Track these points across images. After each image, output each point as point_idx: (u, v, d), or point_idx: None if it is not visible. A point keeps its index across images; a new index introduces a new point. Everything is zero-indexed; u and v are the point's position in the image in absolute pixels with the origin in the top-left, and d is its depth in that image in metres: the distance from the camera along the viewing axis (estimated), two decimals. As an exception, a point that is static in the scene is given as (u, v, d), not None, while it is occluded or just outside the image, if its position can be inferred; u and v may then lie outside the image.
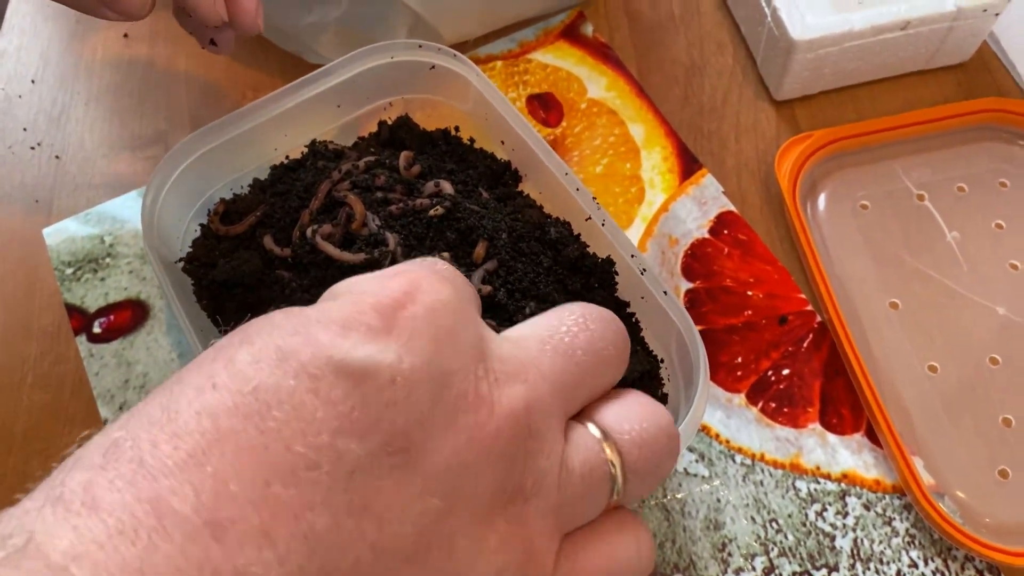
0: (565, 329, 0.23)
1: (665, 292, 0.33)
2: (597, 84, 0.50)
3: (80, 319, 0.44)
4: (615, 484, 0.22)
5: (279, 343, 0.19)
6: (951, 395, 0.40)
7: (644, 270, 0.34)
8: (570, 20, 0.52)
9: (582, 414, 0.23)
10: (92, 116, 0.50)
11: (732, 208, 0.45)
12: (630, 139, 0.48)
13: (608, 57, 0.51)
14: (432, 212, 0.36)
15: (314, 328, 0.19)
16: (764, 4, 0.46)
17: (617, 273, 0.36)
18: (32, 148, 0.49)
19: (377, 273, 0.21)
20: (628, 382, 0.34)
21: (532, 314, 0.34)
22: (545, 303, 0.34)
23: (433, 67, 0.40)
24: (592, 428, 0.22)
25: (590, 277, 0.36)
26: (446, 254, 0.35)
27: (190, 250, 0.38)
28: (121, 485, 0.16)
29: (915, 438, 0.39)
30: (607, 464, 0.22)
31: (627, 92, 0.49)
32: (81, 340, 0.43)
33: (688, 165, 0.47)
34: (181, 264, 0.37)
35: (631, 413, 0.23)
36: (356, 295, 0.20)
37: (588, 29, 0.52)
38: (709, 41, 0.51)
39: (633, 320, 0.36)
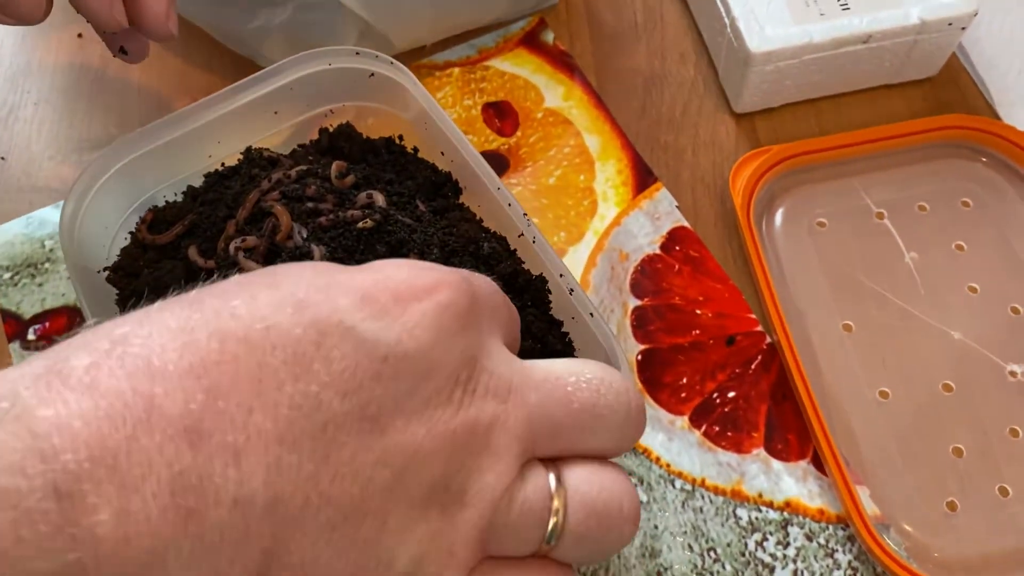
0: (574, 380, 0.24)
1: (592, 314, 0.32)
2: (554, 93, 0.48)
3: (15, 325, 0.43)
4: (551, 535, 0.23)
5: (302, 295, 0.20)
6: (901, 422, 0.38)
7: (572, 290, 0.33)
8: (531, 27, 0.51)
9: (553, 462, 0.24)
10: (41, 117, 0.49)
11: (685, 224, 0.44)
12: (585, 150, 0.47)
13: (567, 65, 0.49)
14: (361, 224, 0.35)
15: (337, 291, 0.21)
16: (724, 15, 0.45)
17: (551, 292, 0.35)
18: (-22, 149, 0.48)
19: (415, 264, 0.23)
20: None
21: None
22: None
23: (372, 75, 0.38)
24: (551, 477, 0.23)
25: (523, 294, 0.35)
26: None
27: (117, 258, 0.37)
28: (121, 375, 0.18)
29: (862, 466, 0.37)
30: (548, 512, 0.23)
31: (584, 102, 0.48)
32: (14, 347, 0.42)
33: (643, 178, 0.45)
34: (107, 273, 0.36)
35: (599, 481, 0.24)
36: (387, 275, 0.22)
37: (549, 36, 0.50)
38: (671, 51, 0.50)
39: (567, 340, 0.35)
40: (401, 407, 0.21)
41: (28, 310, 0.43)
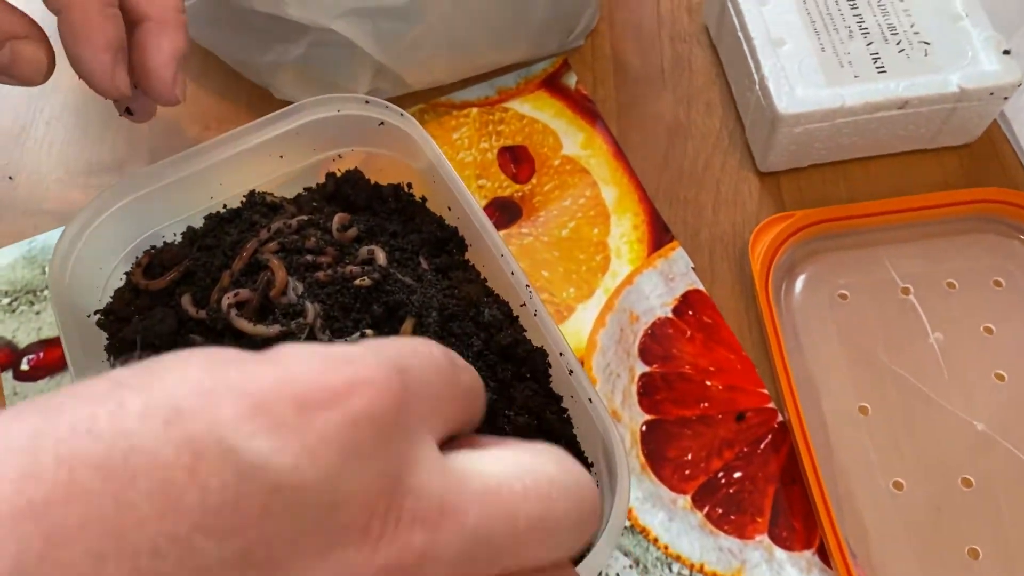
0: (520, 487, 0.20)
1: (591, 399, 0.30)
2: (573, 140, 0.47)
3: (9, 354, 0.42)
4: None
5: (178, 400, 0.17)
6: (915, 517, 0.36)
7: (571, 371, 0.31)
8: (554, 69, 0.49)
9: None
10: (52, 137, 0.49)
11: (700, 287, 0.42)
12: (601, 202, 0.45)
13: (588, 111, 0.48)
14: (358, 282, 0.33)
15: (223, 395, 0.17)
16: (753, 70, 0.43)
17: (550, 365, 0.33)
18: (-13, 167, 0.48)
19: (329, 353, 0.18)
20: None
21: None
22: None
23: (382, 123, 0.37)
24: None
25: (522, 366, 0.33)
26: (369, 331, 0.33)
27: (110, 300, 0.36)
28: None
29: (871, 562, 0.36)
30: None
31: (603, 151, 0.46)
32: (7, 377, 0.41)
33: (659, 236, 0.44)
34: (98, 317, 0.35)
35: None
36: (291, 373, 0.18)
37: (571, 80, 0.49)
38: (698, 100, 0.48)
39: (564, 416, 0.34)
40: (299, 550, 0.17)
41: (23, 339, 0.42)
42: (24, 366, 0.42)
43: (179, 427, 0.16)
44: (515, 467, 0.20)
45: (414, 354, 0.20)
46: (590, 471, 0.33)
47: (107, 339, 0.35)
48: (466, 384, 0.22)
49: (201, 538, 0.16)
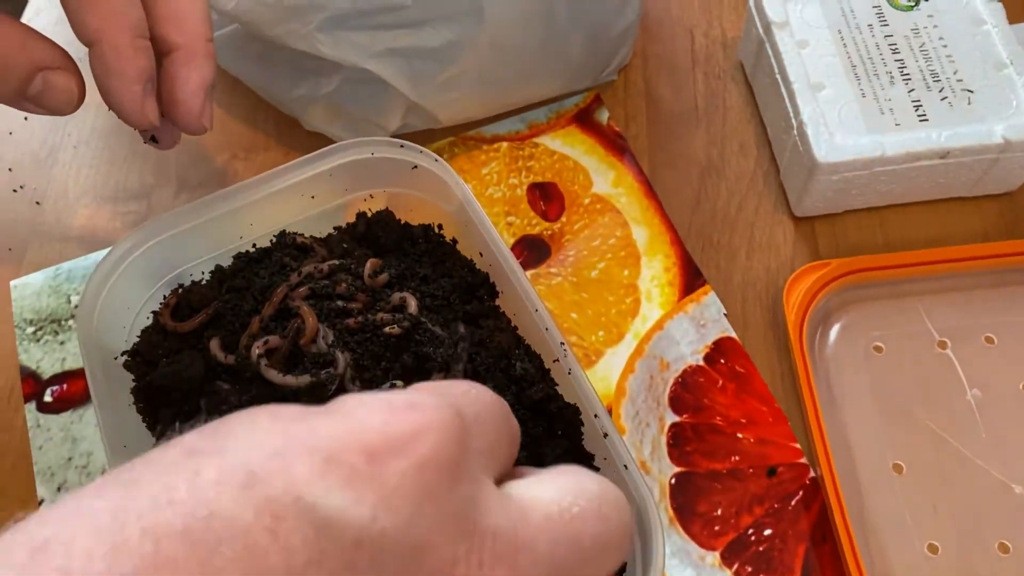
0: (578, 510, 0.20)
1: (626, 466, 0.29)
2: (604, 178, 0.46)
3: (33, 385, 0.42)
4: None
5: (252, 465, 0.17)
6: (950, 581, 0.36)
7: (606, 434, 0.30)
8: (585, 104, 0.49)
9: None
10: (79, 161, 0.49)
11: (732, 335, 0.42)
12: (632, 243, 0.44)
13: (620, 148, 0.47)
14: (388, 330, 0.33)
15: (294, 455, 0.17)
16: (792, 115, 0.42)
17: (583, 423, 0.33)
18: (14, 191, 0.48)
19: (391, 401, 0.19)
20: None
21: None
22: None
23: (415, 167, 0.37)
24: None
25: (554, 423, 0.33)
26: (399, 382, 0.32)
27: (137, 340, 0.36)
28: None
29: (904, 627, 0.35)
30: None
31: (635, 190, 0.46)
32: (30, 408, 0.41)
33: (691, 279, 0.43)
34: (125, 359, 0.35)
35: None
36: (358, 423, 0.18)
37: (603, 116, 0.48)
38: (732, 140, 0.47)
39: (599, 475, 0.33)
40: None
41: (48, 369, 0.42)
42: (47, 398, 0.41)
43: (256, 490, 0.16)
44: (565, 490, 0.21)
45: (468, 396, 0.21)
46: (621, 532, 0.32)
47: (134, 381, 0.35)
48: (514, 425, 0.22)
49: None
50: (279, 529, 0.16)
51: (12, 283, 0.44)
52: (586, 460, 0.33)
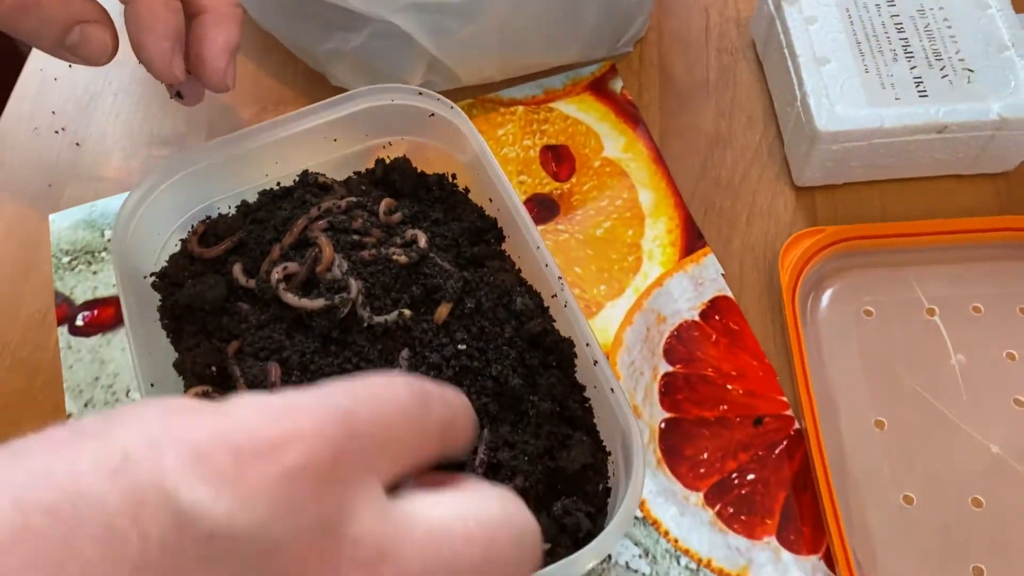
0: (463, 533, 0.20)
1: (612, 389, 0.31)
2: (615, 143, 0.48)
3: (66, 309, 0.44)
4: None
5: (129, 448, 0.17)
6: (923, 531, 0.37)
7: (596, 362, 0.32)
8: (601, 73, 0.51)
9: None
10: (118, 108, 0.51)
11: (729, 294, 0.43)
12: (637, 205, 0.46)
13: (632, 116, 0.49)
14: (396, 257, 0.35)
15: (169, 445, 0.18)
16: (796, 86, 0.44)
17: (577, 356, 0.35)
18: (56, 132, 0.50)
19: (274, 404, 0.19)
20: (570, 472, 0.33)
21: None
22: (500, 390, 0.33)
23: (432, 115, 0.39)
24: None
25: (549, 355, 0.35)
26: (407, 311, 0.35)
27: (165, 264, 0.38)
28: None
29: (876, 571, 0.36)
30: None
31: (644, 155, 0.48)
32: (62, 331, 0.44)
33: (692, 241, 0.45)
34: (152, 279, 0.38)
35: None
36: (234, 423, 0.19)
37: (617, 85, 0.50)
38: (740, 113, 0.49)
39: (587, 405, 0.35)
40: None
41: (80, 296, 0.45)
42: (79, 322, 0.44)
43: (126, 475, 0.17)
44: (462, 509, 0.21)
45: (370, 397, 0.20)
46: (607, 460, 0.34)
47: (160, 300, 0.37)
48: (436, 422, 0.22)
49: None
50: (140, 515, 0.17)
51: (51, 216, 0.47)
52: (577, 391, 0.35)
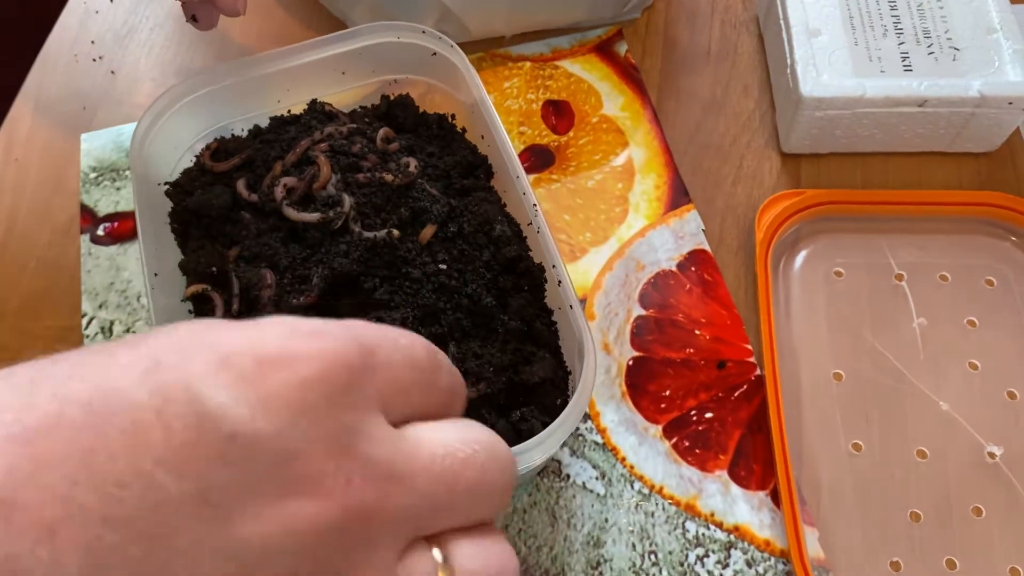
0: (462, 456, 0.22)
1: (571, 307, 0.34)
2: (614, 102, 0.51)
3: (89, 219, 0.48)
4: None
5: (160, 353, 0.19)
6: (867, 477, 0.39)
7: (560, 282, 0.35)
8: (607, 36, 0.53)
9: (437, 538, 0.22)
10: (152, 41, 0.55)
11: (707, 248, 0.46)
12: (629, 161, 0.49)
13: (633, 79, 0.51)
14: (387, 177, 0.38)
15: (197, 351, 0.19)
16: (787, 55, 0.46)
17: (546, 281, 0.37)
18: (94, 60, 0.54)
19: (298, 324, 0.21)
20: (531, 385, 0.36)
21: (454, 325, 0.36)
22: (474, 308, 0.36)
23: (435, 54, 0.42)
24: (437, 556, 0.22)
25: (521, 278, 0.37)
26: (396, 231, 0.37)
27: (180, 176, 0.41)
28: None
29: (819, 510, 0.39)
30: None
31: (640, 115, 0.50)
32: (84, 239, 0.47)
33: (677, 198, 0.47)
34: (166, 187, 0.41)
35: (486, 556, 0.22)
36: (259, 335, 0.20)
37: (622, 48, 0.53)
38: (737, 82, 0.51)
39: (553, 328, 0.37)
40: (252, 496, 0.18)
41: (103, 209, 0.48)
42: (100, 232, 0.47)
43: (156, 375, 0.18)
44: (458, 438, 0.22)
45: (390, 341, 0.22)
46: (568, 378, 0.37)
47: (172, 207, 0.40)
48: (444, 383, 0.23)
49: (162, 473, 0.17)
50: (165, 410, 0.18)
51: (83, 136, 0.51)
52: (545, 313, 0.37)
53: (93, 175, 0.49)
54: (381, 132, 0.40)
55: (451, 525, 0.22)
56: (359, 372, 0.20)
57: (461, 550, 0.22)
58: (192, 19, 0.39)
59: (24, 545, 0.16)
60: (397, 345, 0.22)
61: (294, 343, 0.20)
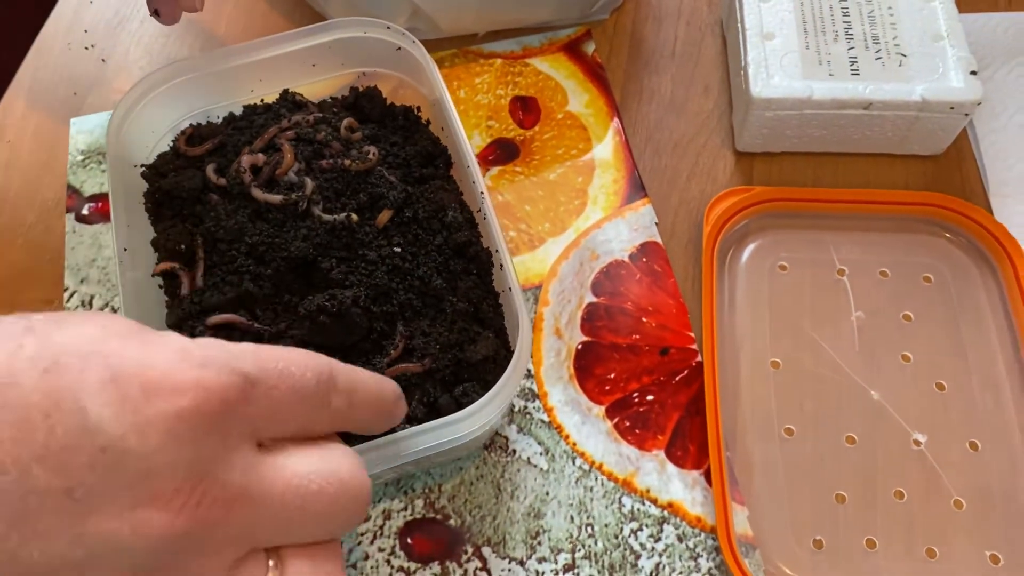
0: (315, 488, 0.24)
1: (510, 288, 0.36)
2: (579, 99, 0.53)
3: (74, 199, 0.50)
4: None
5: (62, 356, 0.21)
6: (797, 459, 0.41)
7: (502, 266, 0.37)
8: (576, 36, 0.55)
9: (276, 549, 0.25)
10: (142, 32, 0.57)
11: (658, 240, 0.48)
12: (591, 156, 0.51)
13: (598, 77, 0.53)
14: (347, 163, 0.40)
15: (95, 363, 0.21)
16: (742, 57, 0.48)
17: (492, 265, 0.39)
18: (86, 48, 0.57)
19: (188, 352, 0.23)
20: (474, 363, 0.38)
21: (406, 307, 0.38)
22: (424, 289, 0.38)
23: (399, 49, 0.44)
24: (271, 565, 0.24)
25: (471, 263, 0.40)
26: (355, 215, 0.40)
27: (156, 159, 0.44)
28: None
29: (750, 490, 0.41)
30: None
31: (603, 113, 0.52)
32: (69, 218, 0.50)
33: (633, 192, 0.49)
34: (142, 169, 0.43)
35: (314, 573, 0.25)
36: (152, 360, 0.22)
37: (589, 48, 0.55)
38: (698, 82, 0.53)
39: (499, 309, 0.40)
40: (111, 499, 0.21)
41: (88, 189, 0.51)
42: (84, 211, 0.50)
43: (52, 378, 0.21)
44: (323, 466, 0.25)
45: (276, 372, 0.24)
46: (510, 357, 0.39)
47: (147, 189, 0.43)
48: (337, 404, 0.26)
49: (38, 468, 0.20)
50: (52, 414, 0.20)
51: (72, 120, 0.53)
52: (492, 296, 0.40)
53: (81, 157, 0.52)
54: (345, 122, 0.42)
55: (293, 542, 0.25)
56: (234, 405, 0.23)
57: (295, 564, 0.25)
58: (155, 13, 0.42)
59: None
60: (284, 375, 0.24)
61: (180, 372, 0.22)
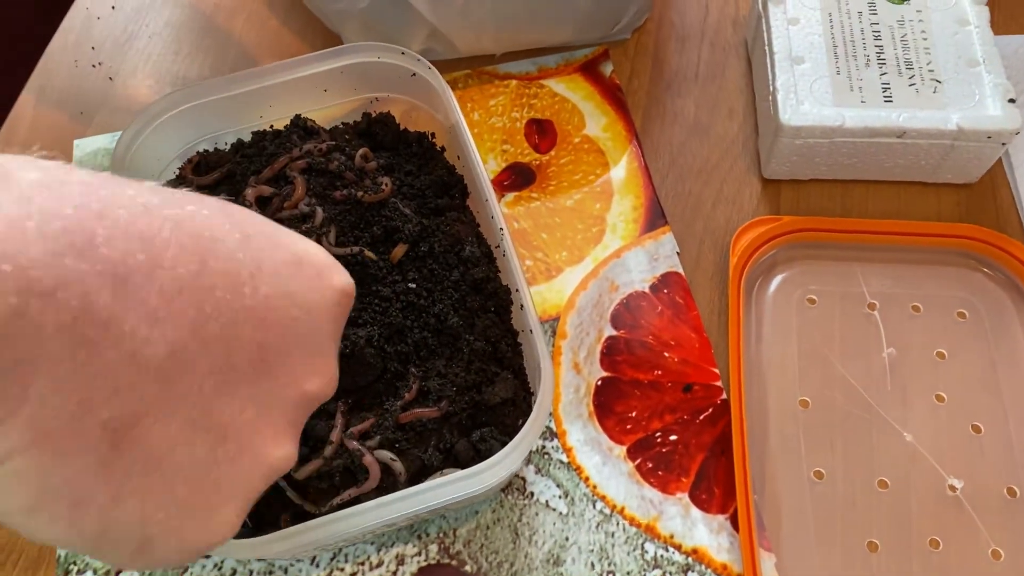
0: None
1: (531, 331, 0.35)
2: (596, 122, 0.51)
3: (79, 224, 0.49)
4: None
5: (248, 226, 0.24)
6: (828, 504, 0.39)
7: (522, 306, 0.36)
8: (593, 56, 0.54)
9: None
10: (151, 49, 0.56)
11: (680, 271, 0.46)
12: (608, 182, 0.49)
13: (617, 100, 0.52)
14: (360, 194, 0.39)
15: (280, 241, 0.25)
16: (770, 82, 0.46)
17: (512, 303, 0.38)
18: (94, 66, 0.55)
19: (328, 255, 0.27)
20: (493, 405, 0.36)
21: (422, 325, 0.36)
22: (440, 327, 0.37)
23: (414, 75, 0.42)
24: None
25: (488, 300, 0.38)
26: (369, 252, 0.38)
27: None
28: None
29: (778, 536, 0.39)
30: None
31: (622, 136, 0.50)
32: (74, 243, 0.48)
33: (654, 219, 0.48)
34: (149, 198, 0.42)
35: None
36: (312, 249, 0.27)
37: (607, 69, 0.53)
38: (722, 105, 0.52)
39: (518, 349, 0.38)
40: (289, 357, 0.25)
41: (94, 214, 0.49)
42: (90, 236, 0.48)
43: (253, 243, 0.24)
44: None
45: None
46: (530, 399, 0.37)
47: (153, 218, 0.41)
48: None
49: (244, 323, 0.23)
50: (256, 275, 0.23)
51: (75, 141, 0.52)
52: (510, 335, 0.38)
53: (86, 180, 0.50)
54: (360, 151, 0.41)
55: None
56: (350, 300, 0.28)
57: None
58: None
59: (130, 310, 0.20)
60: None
61: (335, 267, 0.27)
